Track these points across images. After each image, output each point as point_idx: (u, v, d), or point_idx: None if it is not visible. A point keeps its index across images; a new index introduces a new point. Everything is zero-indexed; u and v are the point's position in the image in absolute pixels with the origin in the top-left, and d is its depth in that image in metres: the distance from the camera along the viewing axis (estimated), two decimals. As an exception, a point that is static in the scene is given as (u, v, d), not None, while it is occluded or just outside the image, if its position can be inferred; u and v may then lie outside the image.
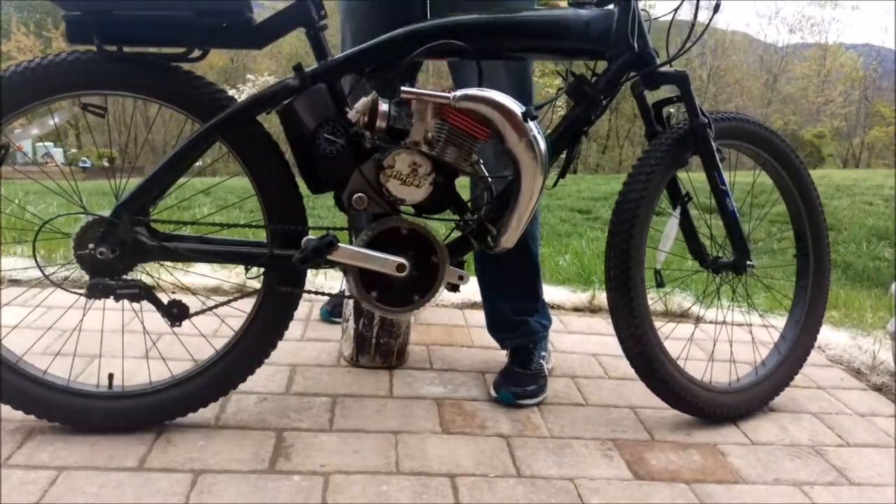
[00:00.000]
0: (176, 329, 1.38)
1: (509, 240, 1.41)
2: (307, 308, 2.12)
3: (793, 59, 31.41)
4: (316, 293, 1.57)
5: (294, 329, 1.94)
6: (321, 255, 1.34)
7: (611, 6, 1.44)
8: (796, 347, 1.73)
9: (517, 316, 1.76)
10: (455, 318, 2.16)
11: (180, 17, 1.29)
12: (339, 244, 1.34)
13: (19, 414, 1.38)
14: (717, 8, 1.43)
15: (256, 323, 1.42)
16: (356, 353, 1.76)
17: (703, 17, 1.50)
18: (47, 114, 1.35)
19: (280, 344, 1.81)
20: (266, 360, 1.44)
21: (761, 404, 1.68)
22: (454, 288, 1.45)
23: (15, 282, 2.07)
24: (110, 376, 1.38)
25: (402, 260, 1.36)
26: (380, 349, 1.75)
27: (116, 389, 1.39)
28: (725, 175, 1.54)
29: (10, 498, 1.14)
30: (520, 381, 1.64)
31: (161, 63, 1.33)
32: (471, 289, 2.25)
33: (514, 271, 1.75)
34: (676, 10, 1.46)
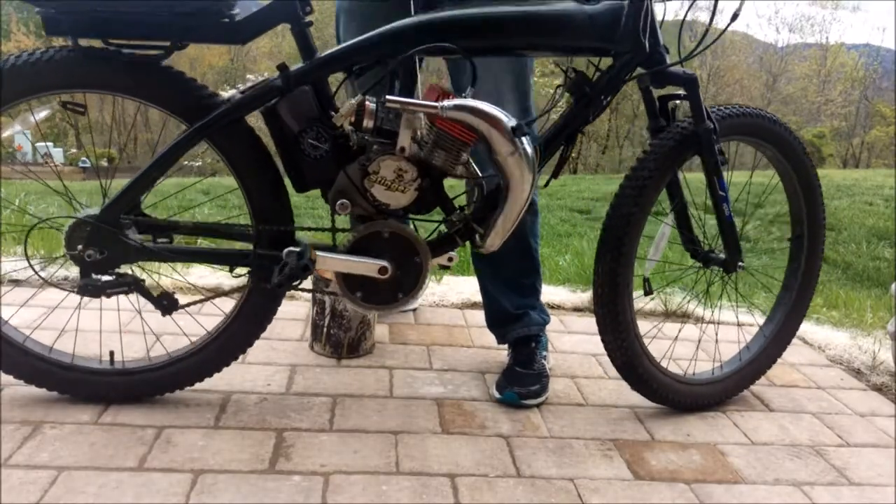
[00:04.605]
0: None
1: (494, 242, 1.40)
2: (307, 308, 2.12)
3: (793, 59, 31.39)
4: (302, 290, 1.58)
5: (294, 329, 1.95)
6: (297, 279, 1.36)
7: (621, 0, 1.38)
8: (782, 330, 1.77)
9: (518, 308, 1.76)
10: (455, 318, 2.16)
11: (160, 13, 1.28)
12: (317, 254, 1.35)
13: (19, 414, 1.38)
14: (735, 16, 1.37)
15: (242, 314, 1.46)
16: (312, 338, 1.82)
17: (717, 19, 1.48)
18: (27, 111, 1.37)
19: (280, 344, 1.83)
20: (266, 361, 1.44)
21: (745, 387, 1.75)
22: (444, 268, 1.48)
23: (15, 282, 2.07)
24: (111, 353, 1.45)
25: (384, 263, 1.37)
26: (330, 339, 1.79)
27: (118, 366, 1.45)
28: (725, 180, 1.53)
29: (10, 498, 1.14)
30: (523, 381, 1.64)
31: (149, 63, 1.32)
32: (471, 289, 2.26)
33: (514, 266, 1.76)
34: (690, 8, 1.43)
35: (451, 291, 2.34)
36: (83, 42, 1.32)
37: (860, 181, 8.54)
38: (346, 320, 1.77)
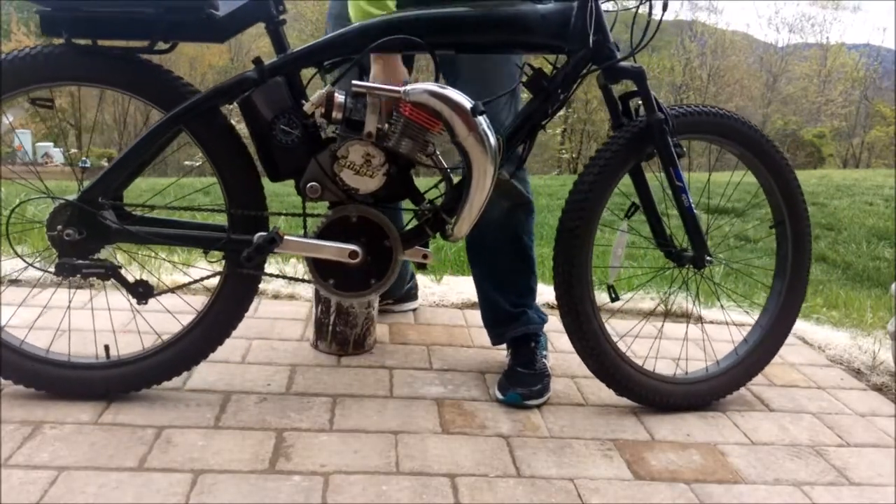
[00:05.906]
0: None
1: (462, 229, 1.43)
2: (307, 308, 2.12)
3: (793, 60, 31.36)
4: (277, 276, 1.65)
5: (294, 329, 1.95)
6: (264, 253, 1.40)
7: (571, 1, 1.44)
8: (778, 321, 1.73)
9: (515, 308, 1.76)
10: (455, 318, 2.16)
11: (145, 12, 1.34)
12: (286, 237, 1.39)
13: (19, 414, 1.38)
14: (665, 6, 1.46)
15: (221, 297, 1.49)
16: (316, 337, 1.82)
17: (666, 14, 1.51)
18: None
19: (280, 344, 1.83)
20: (266, 361, 1.43)
21: (742, 383, 1.72)
22: (421, 267, 1.50)
23: (14, 282, 2.07)
24: (106, 347, 1.47)
25: (353, 247, 1.41)
26: (336, 336, 1.79)
27: (113, 358, 1.48)
28: (683, 172, 1.54)
29: (10, 498, 1.14)
30: (525, 381, 1.64)
31: (127, 56, 1.39)
32: (471, 289, 2.25)
33: (509, 266, 1.76)
34: (640, 4, 1.48)
35: (451, 291, 2.34)
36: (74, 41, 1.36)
37: (860, 181, 8.52)
38: (352, 317, 1.79)
